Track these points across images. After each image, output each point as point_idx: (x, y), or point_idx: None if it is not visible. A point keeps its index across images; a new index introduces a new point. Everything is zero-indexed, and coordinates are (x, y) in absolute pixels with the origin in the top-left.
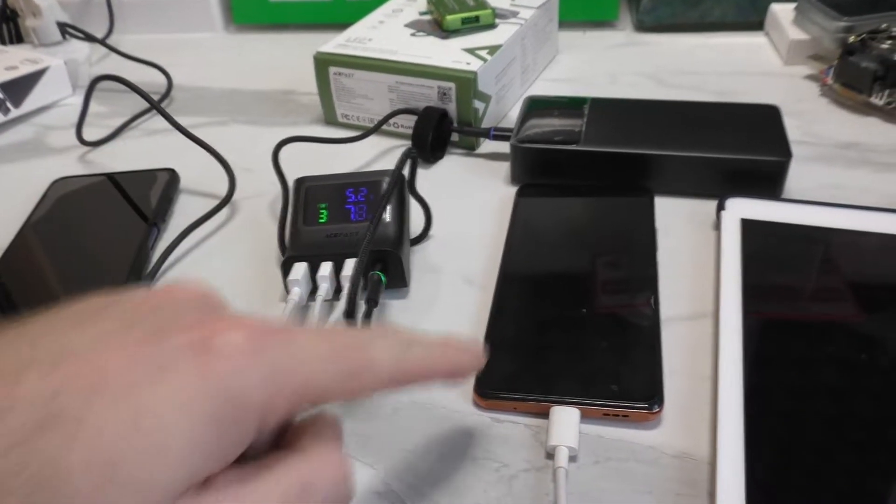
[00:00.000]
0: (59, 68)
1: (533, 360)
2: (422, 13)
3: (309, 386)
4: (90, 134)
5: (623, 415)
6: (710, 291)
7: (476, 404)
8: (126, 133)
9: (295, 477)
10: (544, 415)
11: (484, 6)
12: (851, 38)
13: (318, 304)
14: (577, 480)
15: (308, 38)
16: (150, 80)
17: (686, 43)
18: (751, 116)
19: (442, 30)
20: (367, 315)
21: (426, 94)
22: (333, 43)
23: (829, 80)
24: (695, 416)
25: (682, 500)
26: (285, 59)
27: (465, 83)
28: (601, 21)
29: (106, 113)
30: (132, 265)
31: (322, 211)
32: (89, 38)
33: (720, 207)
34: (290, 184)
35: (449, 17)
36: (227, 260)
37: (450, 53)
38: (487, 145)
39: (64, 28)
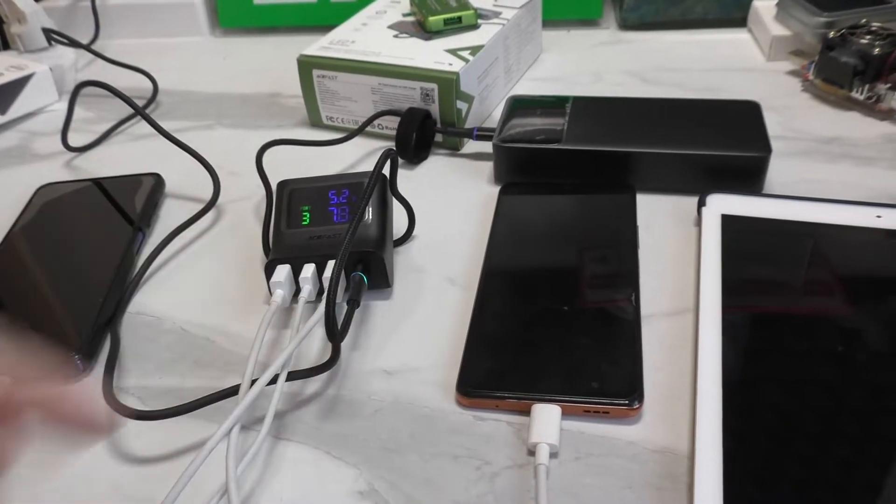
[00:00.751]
0: (45, 74)
1: (515, 359)
2: (405, 15)
3: None
4: (76, 139)
5: (604, 411)
6: (691, 287)
7: (458, 403)
8: (112, 138)
9: None
10: (526, 412)
11: (466, 7)
12: (831, 34)
13: (300, 306)
14: (558, 476)
15: (293, 40)
16: (135, 84)
17: (670, 40)
18: (731, 112)
19: (425, 31)
20: (349, 315)
21: (409, 95)
22: (317, 45)
23: (811, 76)
24: (675, 412)
25: (661, 493)
26: (271, 62)
27: (447, 84)
28: (585, 20)
29: (92, 118)
30: (117, 269)
31: (305, 213)
32: (75, 43)
33: (701, 203)
34: (274, 186)
35: (431, 19)
36: (213, 263)
37: (432, 54)
38: (471, 145)
39: (49, 34)
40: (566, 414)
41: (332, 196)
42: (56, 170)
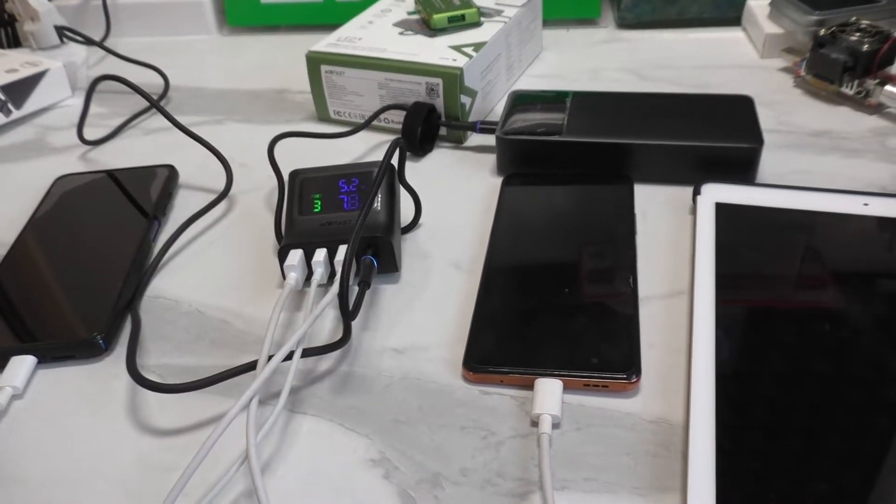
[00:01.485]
0: (59, 70)
1: (518, 336)
2: (409, 13)
3: None
4: (90, 133)
5: (603, 385)
6: (686, 271)
7: (465, 378)
8: (125, 132)
9: None
10: (529, 387)
11: (469, 5)
12: (822, 31)
13: (313, 288)
14: (559, 446)
15: (300, 39)
16: (146, 81)
17: (666, 39)
18: (725, 106)
19: (429, 28)
20: (360, 296)
21: (415, 90)
22: (325, 42)
23: (802, 72)
24: (670, 385)
25: (657, 460)
26: (278, 59)
27: (452, 79)
28: (584, 19)
29: (106, 113)
30: (135, 257)
31: (316, 201)
32: (87, 41)
33: (696, 193)
34: (286, 176)
35: (436, 16)
36: (226, 250)
37: (437, 51)
38: (474, 138)
39: (62, 32)
40: (567, 388)
41: (342, 184)
42: (72, 162)
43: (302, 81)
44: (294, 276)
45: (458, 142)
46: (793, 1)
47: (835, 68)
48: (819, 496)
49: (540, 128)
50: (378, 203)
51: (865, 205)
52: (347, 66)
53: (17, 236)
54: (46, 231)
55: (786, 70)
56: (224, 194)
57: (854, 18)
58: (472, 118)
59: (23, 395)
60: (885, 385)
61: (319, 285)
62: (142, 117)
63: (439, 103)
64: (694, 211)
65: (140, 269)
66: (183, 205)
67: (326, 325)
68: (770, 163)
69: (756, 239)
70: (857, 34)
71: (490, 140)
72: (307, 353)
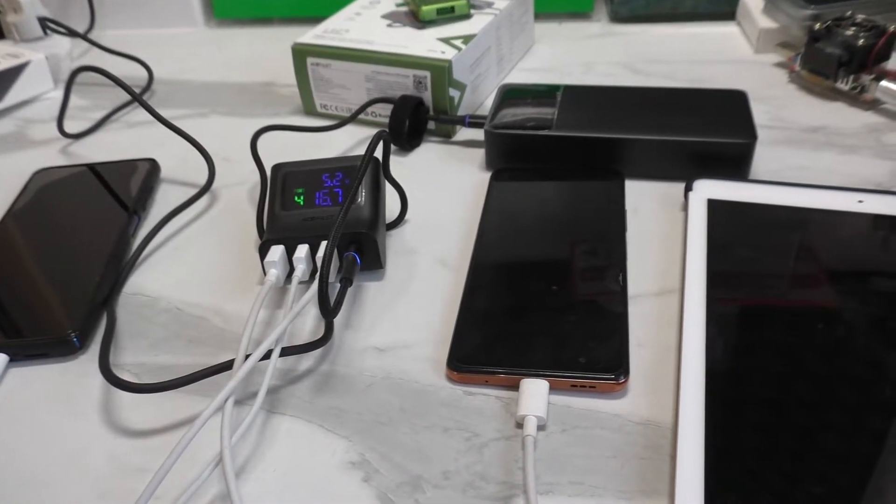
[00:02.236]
0: (41, 63)
1: (504, 336)
2: (398, 4)
3: None
4: (71, 126)
5: (590, 386)
6: (677, 269)
7: (449, 378)
8: (107, 125)
9: None
10: (514, 387)
11: None
12: (817, 26)
13: (293, 285)
14: (545, 448)
15: (287, 31)
16: (130, 73)
17: (660, 33)
18: (718, 101)
19: (418, 20)
20: (342, 293)
21: (402, 83)
22: (311, 34)
23: (797, 67)
24: (659, 386)
25: (645, 463)
26: (265, 52)
27: (440, 71)
28: (577, 13)
29: (87, 106)
30: (112, 253)
31: (299, 196)
32: (71, 32)
33: (688, 189)
34: (269, 171)
35: (424, 8)
36: (207, 245)
37: (425, 43)
38: (463, 133)
39: (45, 23)
40: (554, 388)
41: (325, 179)
42: (52, 156)
43: (289, 74)
44: (274, 273)
45: (446, 136)
46: None
47: (830, 63)
48: (810, 500)
49: (529, 122)
50: (362, 198)
51: (860, 202)
52: (333, 59)
53: None
54: (22, 226)
55: (780, 65)
56: (206, 189)
57: (849, 12)
58: (461, 112)
59: None
60: (879, 385)
61: (301, 282)
62: (124, 110)
63: (427, 97)
64: (686, 207)
65: (118, 265)
66: (164, 199)
67: (308, 323)
68: (764, 159)
69: (748, 236)
70: (853, 28)
71: (479, 134)
72: (286, 351)
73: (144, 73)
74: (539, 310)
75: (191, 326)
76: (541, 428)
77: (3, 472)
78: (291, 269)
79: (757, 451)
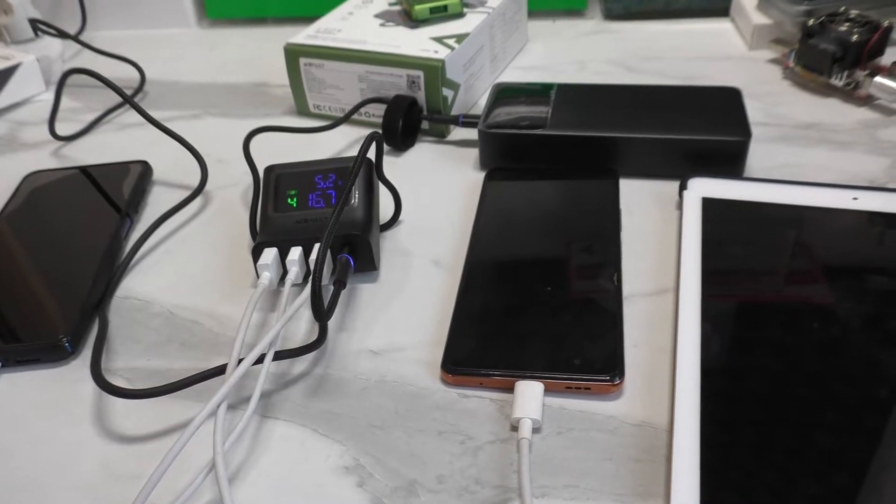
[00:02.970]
0: (32, 65)
1: (499, 337)
2: (391, 3)
3: None
4: (63, 129)
5: (585, 387)
6: (672, 268)
7: (443, 381)
8: (99, 127)
9: None
10: (509, 389)
11: None
12: (811, 21)
13: (287, 288)
14: (540, 450)
15: (280, 31)
16: (123, 75)
17: (653, 30)
18: (712, 98)
19: (411, 20)
20: (335, 295)
21: (395, 82)
22: (303, 34)
23: (791, 63)
24: (655, 387)
25: (640, 465)
26: (258, 52)
27: (433, 71)
28: (571, 10)
29: (79, 108)
30: (105, 255)
31: (292, 197)
32: (62, 34)
33: (682, 187)
34: (262, 172)
35: (417, 7)
36: (200, 248)
37: (418, 42)
38: (457, 132)
39: (36, 25)
40: (549, 390)
41: (318, 180)
42: (44, 158)
43: (282, 75)
44: (267, 276)
45: (440, 136)
46: None
47: (824, 59)
48: (807, 501)
49: (523, 121)
50: (355, 199)
51: (855, 199)
52: (326, 59)
53: None
54: (14, 229)
55: (774, 61)
56: (198, 191)
57: (843, 8)
58: (455, 111)
59: None
60: (875, 383)
61: (294, 285)
62: (116, 112)
63: (421, 96)
64: (680, 206)
65: (110, 269)
66: (157, 202)
67: (302, 326)
68: (758, 156)
69: (743, 234)
70: (847, 24)
71: (473, 134)
72: (279, 355)
73: (136, 74)
74: (534, 310)
75: (184, 330)
76: (536, 430)
77: None
78: (285, 272)
79: (753, 452)
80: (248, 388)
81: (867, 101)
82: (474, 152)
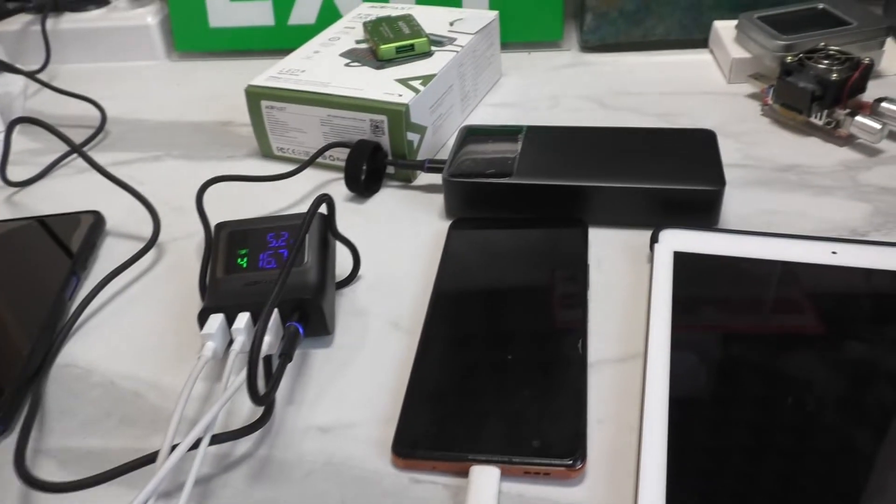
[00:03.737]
0: None
1: (454, 415)
2: (358, 42)
3: None
4: (19, 173)
5: (544, 472)
6: (643, 330)
7: (394, 464)
8: (56, 171)
9: None
10: (464, 474)
11: (419, 34)
12: (789, 58)
13: (230, 359)
14: None
15: (250, 65)
16: (85, 112)
17: (630, 62)
18: (686, 142)
19: (377, 59)
20: (279, 373)
21: (359, 126)
22: (265, 75)
23: (770, 100)
24: (619, 469)
25: None
26: (225, 87)
27: (397, 116)
28: (546, 42)
29: (38, 150)
30: (46, 322)
31: (242, 257)
32: (19, 72)
33: (653, 240)
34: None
35: (383, 47)
36: (149, 309)
37: (382, 85)
38: (424, 177)
39: None
40: (506, 475)
41: (270, 238)
42: None
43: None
44: (211, 346)
45: (406, 181)
46: (759, 24)
47: (803, 98)
48: None
49: (490, 168)
50: (307, 259)
51: (834, 253)
52: (288, 102)
53: None
54: None
55: (753, 96)
56: (149, 245)
57: (822, 44)
58: (422, 154)
59: None
60: (855, 453)
61: (242, 352)
62: (73, 156)
63: (385, 141)
64: (651, 260)
65: (51, 335)
66: (109, 255)
67: (248, 399)
68: (735, 202)
69: (717, 293)
70: (826, 61)
71: (440, 179)
72: (217, 439)
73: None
74: (493, 383)
75: (124, 403)
76: None
77: None
78: (232, 340)
79: None
80: (185, 471)
81: (848, 140)
82: (441, 198)
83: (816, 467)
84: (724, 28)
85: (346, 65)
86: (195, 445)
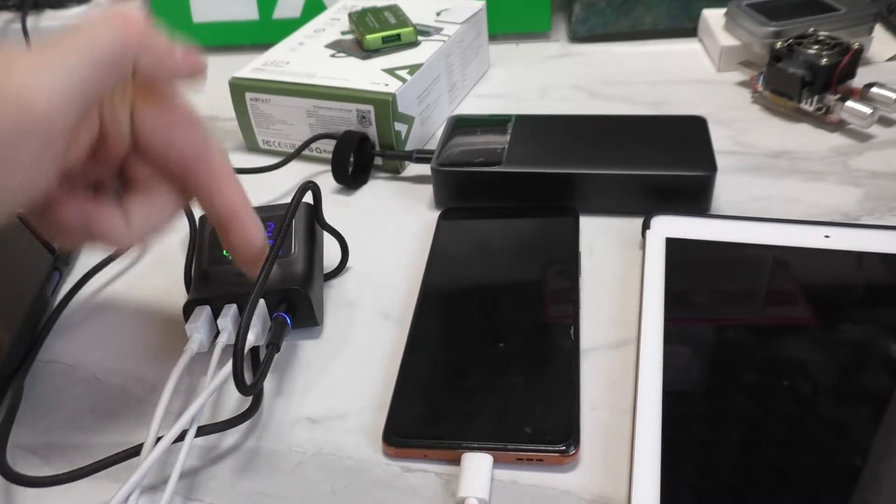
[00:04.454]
0: None
1: (446, 403)
2: (343, 33)
3: None
4: None
5: (537, 459)
6: (635, 316)
7: (385, 453)
8: None
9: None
10: (456, 461)
11: (405, 24)
12: (779, 44)
13: (216, 351)
14: None
15: (235, 59)
16: None
17: (619, 52)
18: (677, 129)
19: (363, 50)
20: (267, 362)
21: (345, 117)
22: (250, 67)
23: (760, 87)
24: (613, 455)
25: None
26: (210, 82)
27: (384, 105)
28: (534, 32)
29: None
30: (27, 315)
31: None
32: None
33: (645, 226)
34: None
35: (369, 37)
36: (133, 303)
37: (368, 75)
38: (413, 167)
39: None
40: (498, 462)
41: None
42: None
43: (232, 107)
44: (198, 338)
45: (394, 171)
46: (748, 11)
47: (793, 84)
48: None
49: (479, 157)
50: (294, 249)
51: (826, 237)
52: (273, 94)
53: None
54: None
55: (743, 84)
56: None
57: (812, 30)
58: (410, 145)
59: None
60: (850, 443)
61: (229, 345)
62: None
63: (372, 131)
64: (643, 246)
65: (33, 331)
66: (91, 249)
67: (236, 391)
68: (726, 188)
69: (709, 278)
70: (816, 47)
71: (429, 169)
72: (203, 430)
73: None
74: (484, 371)
75: (109, 398)
76: None
77: None
78: (219, 332)
79: None
80: (171, 463)
81: (839, 126)
82: (430, 189)
83: (809, 449)
84: (714, 16)
85: (332, 55)
86: (181, 437)
